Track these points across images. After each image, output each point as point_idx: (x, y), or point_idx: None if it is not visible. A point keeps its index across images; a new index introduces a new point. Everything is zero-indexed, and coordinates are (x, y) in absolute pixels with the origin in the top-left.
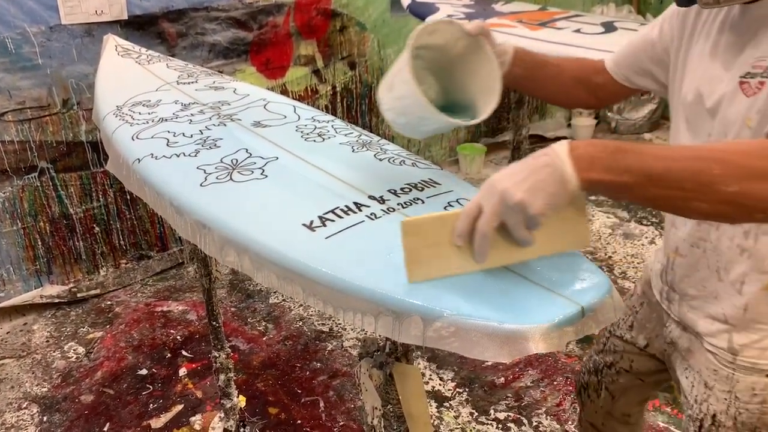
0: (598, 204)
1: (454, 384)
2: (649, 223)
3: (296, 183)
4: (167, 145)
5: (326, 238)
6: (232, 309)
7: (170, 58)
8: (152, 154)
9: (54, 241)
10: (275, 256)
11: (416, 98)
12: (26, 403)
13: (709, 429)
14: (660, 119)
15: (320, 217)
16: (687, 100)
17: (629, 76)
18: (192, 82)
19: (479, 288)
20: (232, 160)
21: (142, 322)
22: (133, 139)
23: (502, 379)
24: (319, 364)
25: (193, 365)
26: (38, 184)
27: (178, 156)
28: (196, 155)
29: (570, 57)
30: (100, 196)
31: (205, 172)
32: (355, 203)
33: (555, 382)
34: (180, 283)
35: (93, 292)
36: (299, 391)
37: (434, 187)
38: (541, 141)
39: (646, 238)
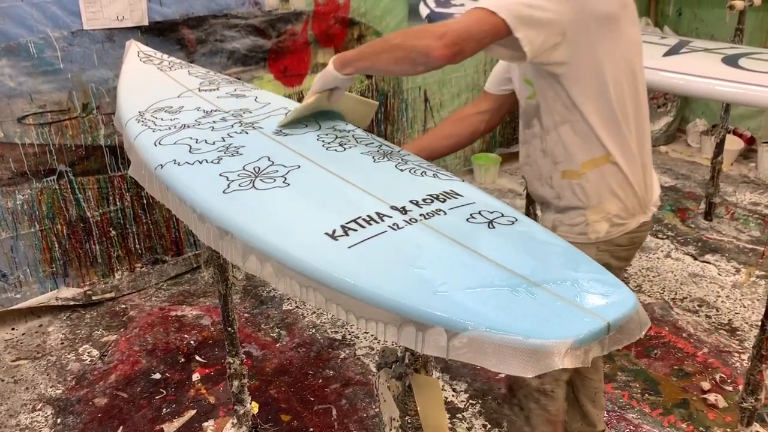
0: None
1: (467, 396)
2: (664, 236)
3: (318, 192)
4: (190, 151)
5: (349, 247)
6: (246, 315)
7: (191, 65)
8: (175, 161)
9: (71, 244)
10: (298, 264)
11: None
12: (41, 405)
13: None
14: (676, 132)
15: (343, 227)
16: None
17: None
18: (213, 89)
19: (505, 302)
20: (254, 168)
21: (156, 326)
22: (155, 145)
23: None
24: (331, 372)
25: (207, 370)
26: (57, 187)
27: (200, 163)
28: (218, 162)
29: (443, 123)
30: (117, 200)
31: (227, 179)
32: (378, 213)
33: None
34: (194, 288)
35: (108, 295)
36: (312, 399)
37: (456, 198)
38: None
39: (662, 251)
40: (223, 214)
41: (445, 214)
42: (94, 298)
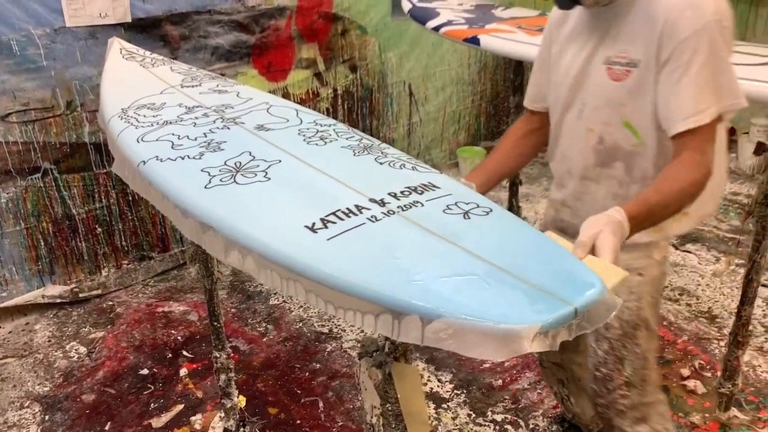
0: None
1: (452, 385)
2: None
3: (299, 185)
4: (172, 147)
5: (328, 239)
6: (233, 310)
7: (174, 61)
8: (157, 157)
9: (56, 242)
10: (278, 257)
11: None
12: (28, 402)
13: (603, 333)
14: None
15: (322, 219)
16: (564, 82)
17: (548, 99)
18: (196, 86)
19: (477, 290)
20: (235, 163)
21: (143, 323)
22: (138, 142)
23: (500, 381)
24: (318, 365)
25: (194, 365)
26: (41, 185)
27: (182, 158)
28: (200, 158)
29: (504, 144)
30: (103, 197)
31: (209, 174)
32: (357, 206)
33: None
34: (181, 284)
35: (95, 292)
36: (299, 392)
37: (433, 190)
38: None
39: None
40: (204, 209)
41: (423, 205)
42: (81, 295)
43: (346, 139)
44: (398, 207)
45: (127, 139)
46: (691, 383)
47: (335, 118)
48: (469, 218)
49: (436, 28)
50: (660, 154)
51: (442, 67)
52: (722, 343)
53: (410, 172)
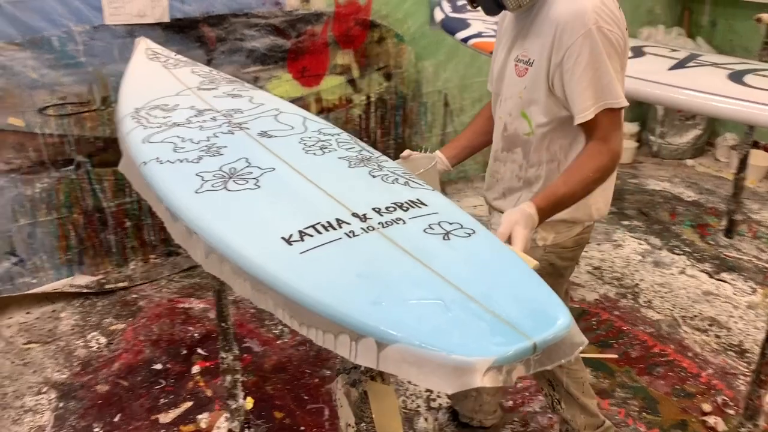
0: (630, 230)
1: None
2: (681, 252)
3: (286, 195)
4: (174, 150)
5: (301, 253)
6: (252, 310)
7: (197, 63)
8: (158, 158)
9: (86, 233)
10: (250, 266)
11: None
12: (46, 388)
13: None
14: (705, 145)
15: (300, 232)
16: (494, 74)
17: None
18: (212, 89)
19: (438, 316)
20: (230, 169)
21: (163, 318)
22: (143, 142)
23: (510, 402)
24: (328, 372)
25: (207, 364)
26: (74, 177)
27: (181, 162)
28: (198, 162)
29: (475, 122)
30: (133, 192)
31: (202, 179)
32: (337, 219)
33: None
34: (204, 282)
35: (121, 284)
36: (306, 398)
37: (419, 207)
38: None
39: (677, 267)
40: (191, 214)
41: (405, 223)
42: (107, 286)
43: (346, 149)
44: (379, 223)
45: (134, 138)
46: (711, 419)
47: (367, 125)
48: (449, 239)
49: (465, 40)
50: (547, 146)
51: (480, 78)
52: (750, 380)
53: (402, 187)
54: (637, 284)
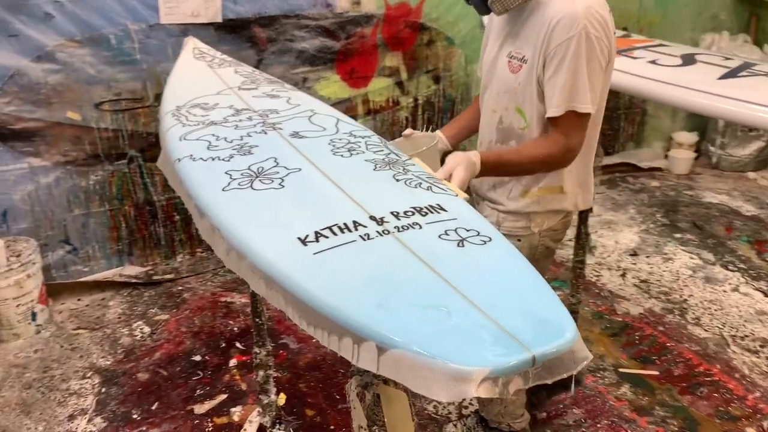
0: (683, 243)
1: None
2: (735, 268)
3: (308, 196)
4: (208, 148)
5: (314, 253)
6: None
7: (241, 63)
8: (192, 156)
9: (137, 225)
10: (264, 265)
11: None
12: (90, 373)
13: None
14: None
15: (316, 232)
16: (484, 68)
17: None
18: (252, 89)
19: (440, 323)
20: (258, 168)
21: (205, 310)
22: (180, 140)
23: (545, 413)
24: None
25: (244, 358)
26: (126, 171)
27: (213, 159)
28: (229, 160)
29: (474, 105)
30: None
31: (231, 177)
32: (354, 222)
33: (599, 425)
34: None
35: (167, 276)
36: (338, 397)
37: (438, 213)
38: (635, 170)
39: (730, 284)
40: (216, 211)
41: (421, 228)
42: (154, 278)
43: (374, 152)
44: (395, 227)
45: (172, 135)
46: None
47: (414, 127)
48: (463, 246)
49: None
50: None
51: None
52: None
53: (424, 191)
54: (686, 300)
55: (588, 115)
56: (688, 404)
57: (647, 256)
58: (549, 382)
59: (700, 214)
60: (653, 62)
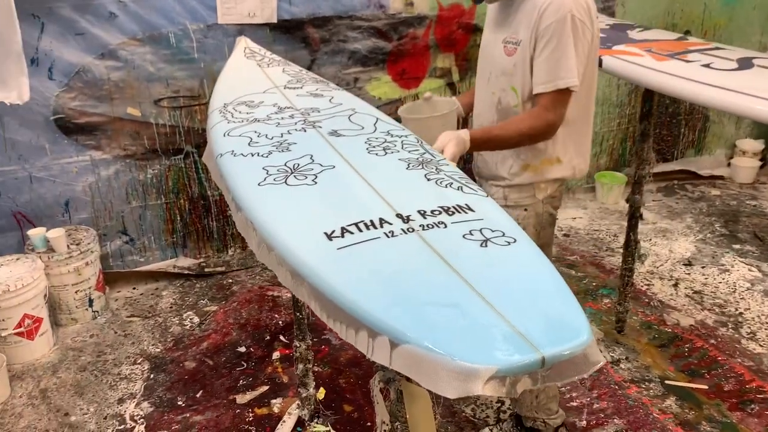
0: (741, 254)
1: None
2: None
3: (339, 193)
4: (249, 144)
5: (338, 248)
6: None
7: (289, 63)
8: (233, 151)
9: (191, 219)
10: (290, 258)
11: (418, 128)
12: (141, 360)
13: None
14: None
15: (343, 228)
16: (481, 54)
17: None
18: (297, 87)
19: (453, 321)
20: (294, 165)
21: (252, 303)
22: (224, 136)
23: (584, 422)
24: None
25: (287, 351)
26: (183, 166)
27: (252, 155)
28: (267, 156)
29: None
30: None
31: (267, 172)
32: (381, 219)
33: None
34: None
35: (219, 269)
36: None
37: (465, 213)
38: (694, 178)
39: None
40: (251, 205)
41: (446, 227)
42: (206, 270)
43: (409, 152)
44: (420, 225)
45: (217, 132)
46: None
47: (465, 127)
48: (486, 246)
49: None
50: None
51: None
52: None
53: (454, 191)
54: (742, 313)
55: (569, 90)
56: (737, 421)
57: (702, 267)
58: (558, 384)
59: (762, 225)
60: (707, 66)
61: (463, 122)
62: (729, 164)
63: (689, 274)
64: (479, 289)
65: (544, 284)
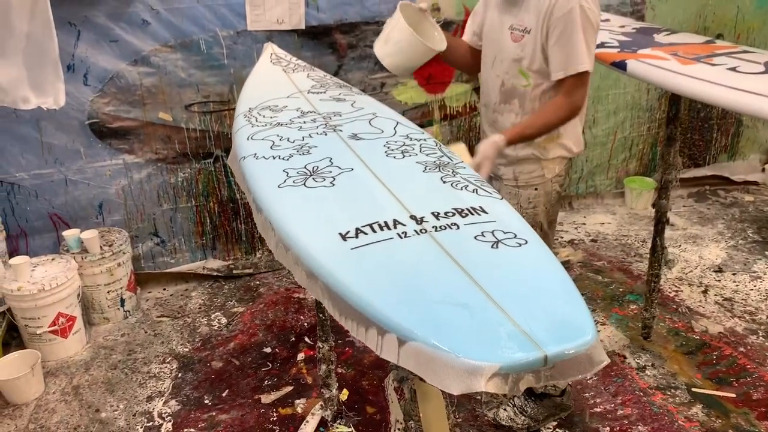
0: None
1: (554, 423)
2: None
3: (355, 194)
4: (271, 147)
5: (352, 248)
6: None
7: (314, 68)
8: (255, 154)
9: (220, 221)
10: (305, 257)
11: (409, 37)
12: (169, 359)
13: None
14: None
15: (357, 229)
16: (487, 39)
17: (476, 40)
18: (321, 92)
19: (460, 319)
20: (313, 167)
21: (278, 305)
22: (248, 139)
23: (608, 428)
24: None
25: (312, 352)
26: (212, 169)
27: (274, 158)
28: (288, 159)
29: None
30: None
31: (287, 175)
32: (395, 220)
33: None
34: None
35: (247, 271)
36: None
37: (479, 215)
38: (727, 183)
39: None
40: (270, 206)
41: (458, 228)
42: (234, 272)
43: (426, 155)
44: (433, 227)
45: (241, 135)
46: None
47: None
48: (497, 248)
49: None
50: (541, 94)
51: (617, 90)
52: None
53: (468, 194)
54: None
55: (587, 73)
56: (765, 430)
57: (733, 274)
58: (561, 383)
59: None
60: (733, 69)
61: (436, 57)
62: (764, 169)
63: (719, 280)
64: (487, 288)
65: (552, 285)
